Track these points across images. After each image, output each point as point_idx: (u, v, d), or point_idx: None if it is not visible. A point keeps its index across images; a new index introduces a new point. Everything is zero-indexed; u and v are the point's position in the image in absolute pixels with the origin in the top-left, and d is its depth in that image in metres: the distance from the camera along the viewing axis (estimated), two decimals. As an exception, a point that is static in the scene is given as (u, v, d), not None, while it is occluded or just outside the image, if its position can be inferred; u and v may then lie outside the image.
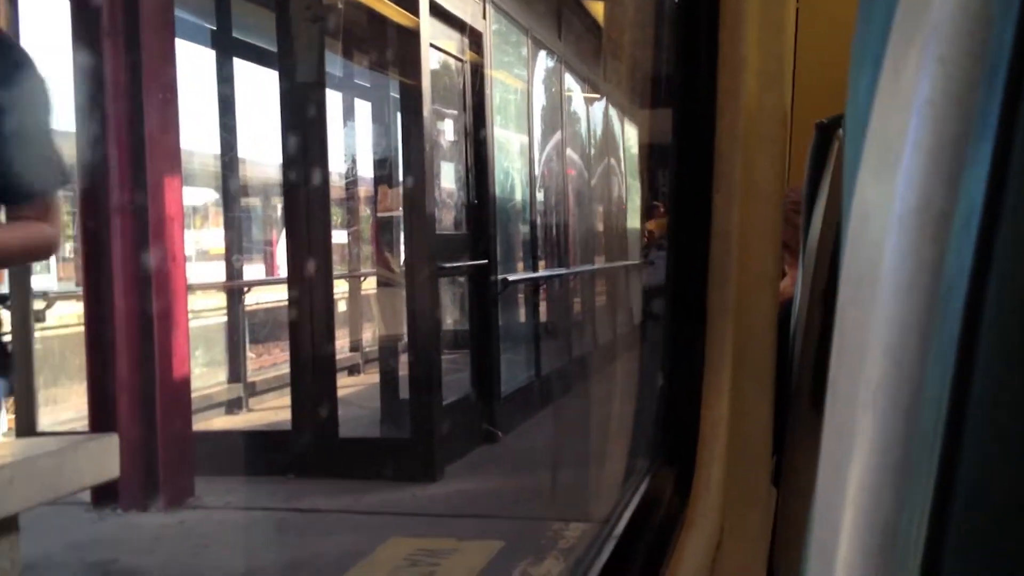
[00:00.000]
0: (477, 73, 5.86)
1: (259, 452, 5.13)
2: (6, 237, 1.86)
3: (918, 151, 0.35)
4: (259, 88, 6.67)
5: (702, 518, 1.21)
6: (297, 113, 5.03)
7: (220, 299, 6.91)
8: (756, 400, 1.31)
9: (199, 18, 6.43)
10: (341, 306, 7.38)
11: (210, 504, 4.39)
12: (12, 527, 2.46)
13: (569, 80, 8.18)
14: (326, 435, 4.97)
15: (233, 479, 4.79)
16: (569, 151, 8.14)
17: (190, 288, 4.98)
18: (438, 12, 5.32)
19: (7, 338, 4.08)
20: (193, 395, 4.87)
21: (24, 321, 4.70)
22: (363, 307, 8.00)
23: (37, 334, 4.92)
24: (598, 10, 8.31)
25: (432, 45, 5.24)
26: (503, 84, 6.59)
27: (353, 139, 7.70)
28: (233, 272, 6.75)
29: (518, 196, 6.98)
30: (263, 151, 7.68)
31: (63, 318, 5.84)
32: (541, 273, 7.24)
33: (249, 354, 6.95)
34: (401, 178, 5.69)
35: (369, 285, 7.79)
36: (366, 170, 7.36)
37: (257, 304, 7.66)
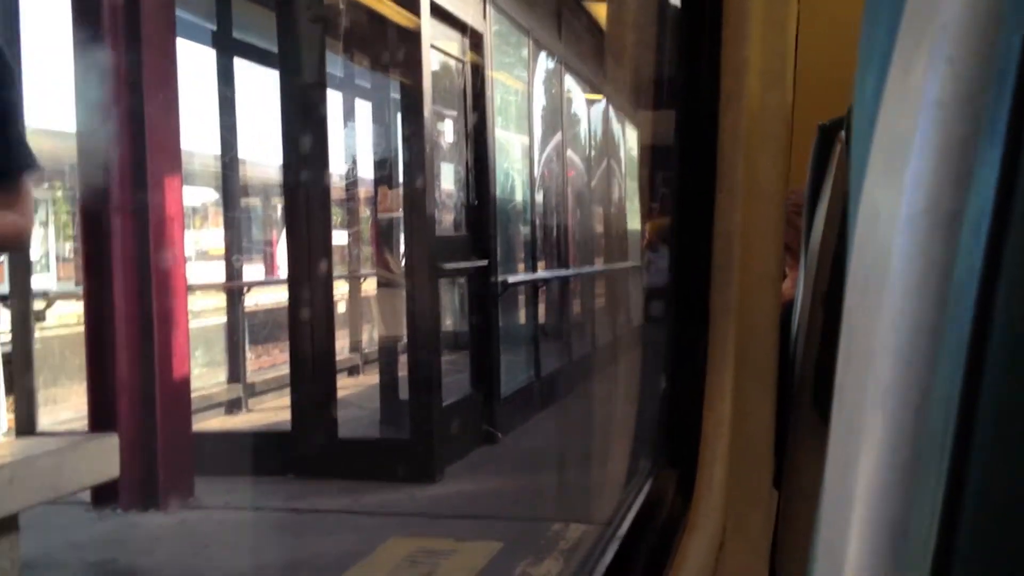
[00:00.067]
0: (477, 74, 5.86)
1: (259, 452, 5.13)
2: None
3: (927, 152, 0.35)
4: (259, 88, 6.67)
5: (705, 518, 1.21)
6: (297, 113, 5.03)
7: (220, 299, 6.90)
8: (758, 401, 1.31)
9: (200, 18, 6.43)
10: (341, 307, 7.38)
11: (210, 504, 4.38)
12: (12, 526, 2.46)
13: (569, 81, 8.18)
14: (326, 436, 4.97)
15: (233, 479, 4.79)
16: (569, 152, 8.15)
17: (190, 288, 4.98)
18: (439, 13, 5.32)
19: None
20: (193, 395, 4.87)
21: (24, 321, 4.70)
22: (363, 308, 8.00)
23: (37, 334, 4.92)
24: (598, 11, 8.31)
25: (433, 46, 5.24)
26: (503, 85, 6.59)
27: (353, 140, 7.70)
28: (233, 272, 6.75)
29: (518, 197, 6.98)
30: (263, 151, 7.68)
31: (63, 318, 5.85)
32: (541, 274, 7.24)
33: (249, 355, 6.95)
34: (401, 179, 5.69)
35: (369, 286, 7.79)
36: (366, 171, 7.36)
37: (257, 305, 7.66)
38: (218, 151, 6.63)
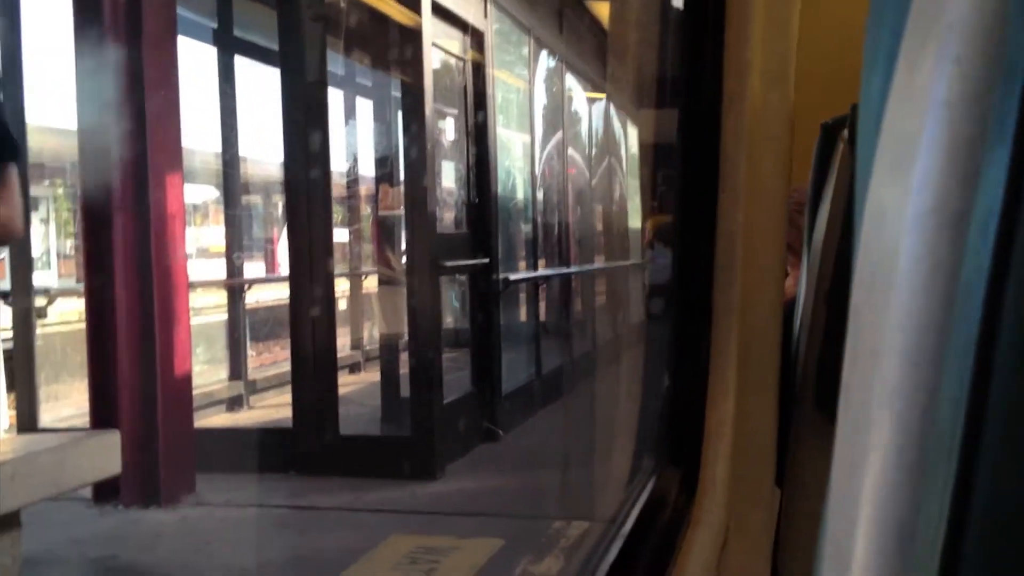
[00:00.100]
0: (478, 72, 5.86)
1: (260, 449, 5.13)
2: None
3: (934, 151, 0.35)
4: (260, 86, 6.67)
5: (708, 516, 1.21)
6: (298, 111, 5.03)
7: (221, 297, 6.91)
8: (760, 399, 1.31)
9: (201, 16, 6.43)
10: (342, 304, 7.38)
11: (211, 501, 4.39)
12: (14, 522, 2.46)
13: (570, 79, 8.17)
14: (327, 433, 4.98)
15: (234, 476, 4.79)
16: (570, 150, 8.14)
17: (191, 285, 4.98)
18: (440, 11, 5.32)
19: None
20: (194, 392, 4.87)
21: (25, 318, 4.70)
22: (364, 305, 8.00)
23: (38, 331, 4.92)
24: (599, 9, 8.30)
25: (434, 44, 5.23)
26: (505, 83, 6.59)
27: (354, 137, 7.70)
28: (234, 270, 6.75)
29: (519, 195, 6.98)
30: (264, 149, 7.68)
31: (64, 315, 5.85)
32: (542, 272, 7.24)
33: (250, 352, 6.95)
34: (402, 177, 5.69)
35: (370, 284, 7.79)
36: (367, 168, 7.36)
37: (258, 302, 7.66)
38: (219, 149, 6.63)
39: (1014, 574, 0.30)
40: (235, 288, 6.71)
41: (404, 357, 5.47)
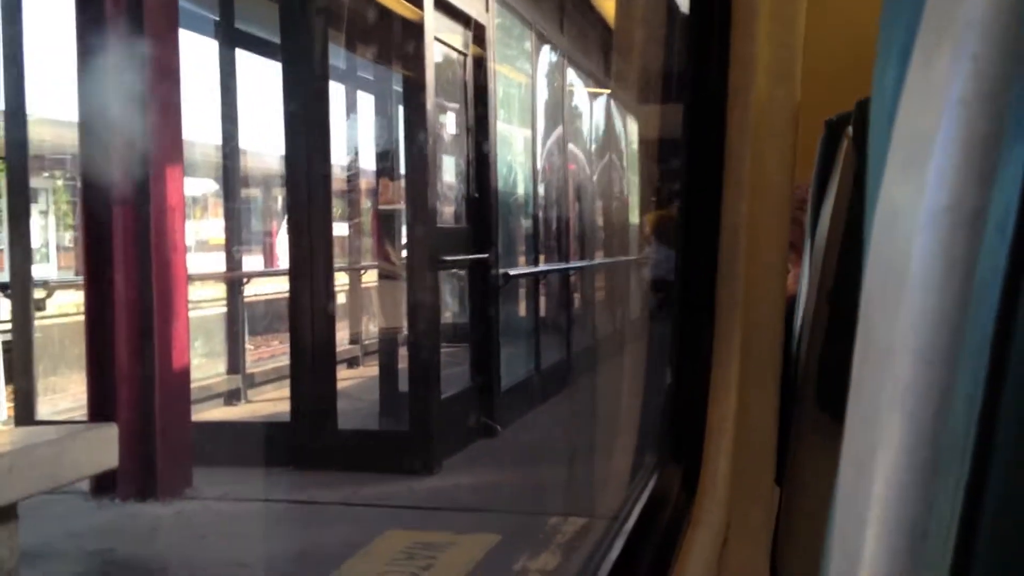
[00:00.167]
0: (480, 67, 5.85)
1: (257, 443, 5.13)
2: None
3: (949, 149, 0.35)
4: (261, 79, 6.66)
5: (708, 514, 1.21)
6: (299, 105, 5.02)
7: (219, 290, 6.90)
8: (761, 396, 1.30)
9: (203, 8, 6.41)
10: (341, 298, 7.37)
11: (208, 495, 4.38)
12: (11, 515, 2.46)
13: (571, 74, 8.16)
14: (325, 427, 4.97)
15: (231, 470, 4.79)
16: (571, 146, 8.14)
17: (190, 278, 4.97)
18: (442, 5, 5.31)
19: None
20: (192, 386, 4.87)
21: (24, 310, 4.70)
22: (363, 300, 8.00)
23: (37, 323, 4.92)
24: (601, 4, 8.29)
25: (436, 38, 5.23)
26: (506, 78, 6.58)
27: (355, 131, 7.68)
28: (233, 263, 6.74)
29: (520, 190, 6.97)
30: (264, 142, 7.67)
31: (62, 307, 5.84)
32: (542, 268, 7.24)
33: (248, 345, 6.94)
34: (403, 171, 5.69)
35: (369, 278, 7.78)
36: (368, 162, 7.35)
37: (256, 295, 7.65)
38: (219, 141, 6.62)
39: None
40: (234, 281, 6.71)
41: (403, 352, 5.47)
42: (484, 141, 5.88)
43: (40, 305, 5.00)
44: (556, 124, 7.68)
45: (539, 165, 7.16)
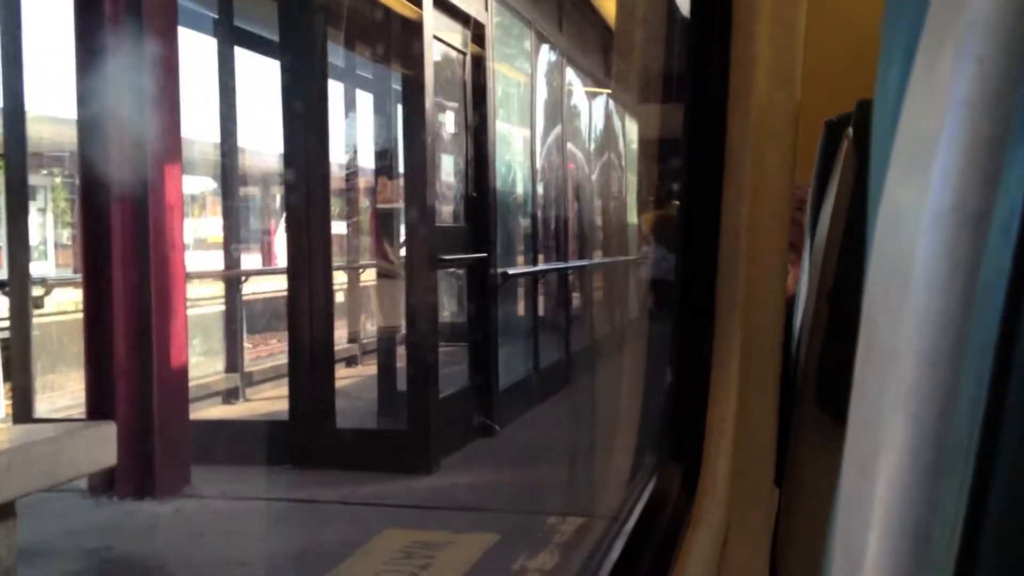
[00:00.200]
0: (479, 66, 5.85)
1: (256, 442, 5.13)
2: None
3: (954, 151, 0.35)
4: (260, 77, 6.65)
5: (708, 515, 1.21)
6: (298, 103, 5.02)
7: (218, 288, 6.90)
8: (761, 396, 1.30)
9: (202, 6, 6.41)
10: (339, 297, 7.37)
11: (206, 493, 4.38)
12: (9, 513, 2.46)
13: (570, 74, 8.16)
14: (323, 426, 4.97)
15: (229, 469, 4.79)
16: (570, 145, 8.14)
17: (188, 276, 4.97)
18: (441, 4, 5.31)
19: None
20: (190, 384, 4.86)
21: (22, 308, 4.69)
22: (361, 299, 8.00)
23: (35, 321, 4.91)
24: (601, 3, 8.30)
25: (435, 37, 5.22)
26: (505, 77, 6.58)
27: (354, 130, 7.68)
28: (231, 261, 6.74)
29: (519, 190, 6.97)
30: (262, 140, 7.66)
31: (60, 305, 5.84)
32: (541, 267, 7.24)
33: (246, 344, 6.94)
34: (402, 170, 5.69)
35: (368, 277, 7.78)
36: (366, 161, 7.35)
37: (254, 294, 7.65)
38: (217, 140, 6.62)
39: None
40: (232, 279, 6.71)
41: (401, 351, 5.47)
42: (483, 140, 5.88)
43: (38, 303, 4.99)
44: (555, 123, 7.68)
45: (538, 164, 7.16)
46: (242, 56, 6.51)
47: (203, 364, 6.54)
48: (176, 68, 4.46)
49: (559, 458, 5.44)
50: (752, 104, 1.26)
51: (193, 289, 6.33)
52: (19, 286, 4.75)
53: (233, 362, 6.60)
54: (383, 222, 6.33)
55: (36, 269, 6.06)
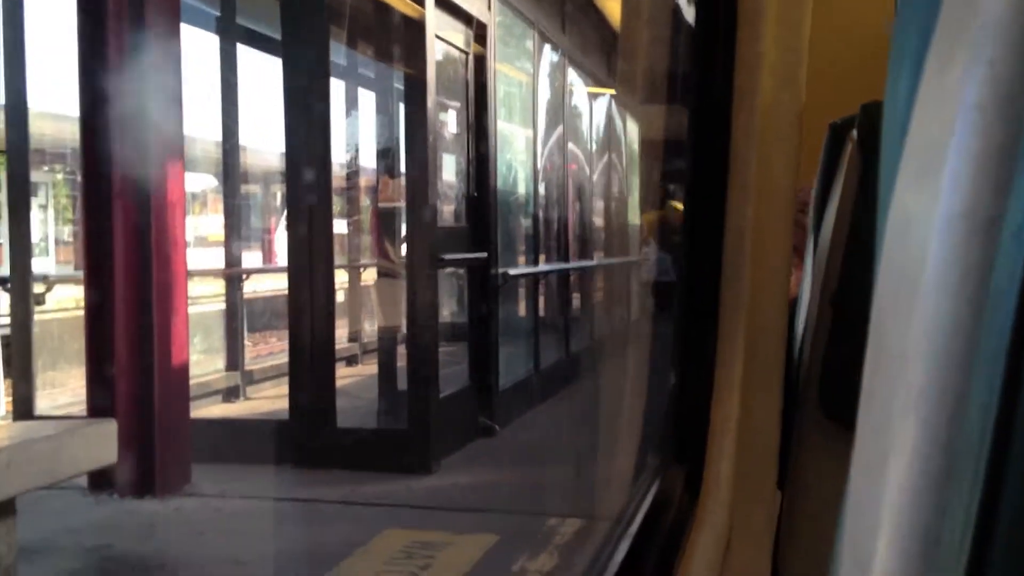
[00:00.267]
0: (481, 65, 5.85)
1: (256, 441, 5.13)
2: None
3: (964, 155, 0.35)
4: (262, 76, 6.65)
5: (712, 516, 1.21)
6: (300, 101, 5.01)
7: (218, 286, 6.90)
8: (764, 398, 1.31)
9: (204, 4, 6.41)
10: (340, 296, 7.37)
11: (206, 492, 4.38)
12: (9, 510, 2.46)
13: (572, 74, 8.16)
14: (324, 425, 4.97)
15: (229, 467, 4.79)
16: (571, 145, 8.14)
17: (189, 274, 4.96)
18: (444, 3, 5.31)
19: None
20: (190, 382, 4.86)
21: (24, 304, 4.69)
22: (362, 298, 8.00)
23: (36, 317, 4.91)
24: (603, 3, 8.29)
25: (437, 36, 5.22)
26: (507, 77, 6.58)
27: (355, 128, 7.68)
28: (232, 259, 6.74)
29: (520, 190, 6.97)
30: (264, 138, 7.66)
31: (61, 302, 5.84)
32: (541, 268, 7.24)
33: (247, 342, 6.94)
34: (403, 169, 5.68)
35: (369, 276, 7.78)
36: (368, 160, 7.35)
37: (256, 292, 7.65)
38: (219, 137, 6.62)
39: None
40: (233, 277, 6.70)
41: (401, 350, 5.46)
42: (485, 140, 5.88)
43: (39, 299, 4.99)
44: (557, 124, 7.68)
45: (540, 165, 7.16)
46: (244, 53, 6.52)
47: (203, 362, 6.54)
48: (179, 65, 4.46)
49: (559, 459, 5.43)
50: (757, 104, 1.26)
51: (194, 287, 6.33)
52: (20, 283, 4.74)
53: (234, 360, 6.60)
54: (384, 221, 6.33)
55: (37, 266, 6.06)
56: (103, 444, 3.06)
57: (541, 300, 7.27)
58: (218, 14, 6.41)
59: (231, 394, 6.44)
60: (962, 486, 0.32)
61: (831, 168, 1.31)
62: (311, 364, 5.03)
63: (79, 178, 4.76)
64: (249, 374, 6.68)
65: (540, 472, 5.25)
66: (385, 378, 5.71)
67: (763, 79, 1.27)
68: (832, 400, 1.21)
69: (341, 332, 7.16)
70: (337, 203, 7.35)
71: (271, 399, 6.19)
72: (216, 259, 7.03)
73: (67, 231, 11.40)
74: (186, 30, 5.09)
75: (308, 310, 5.02)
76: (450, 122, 5.85)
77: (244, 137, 6.78)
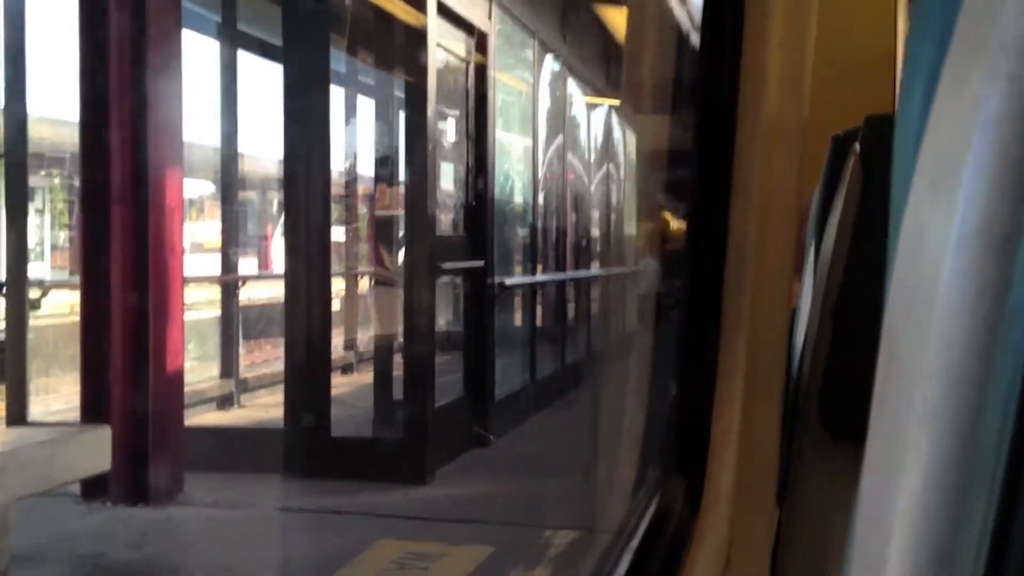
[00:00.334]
0: (481, 74, 5.86)
1: (250, 449, 5.11)
2: None
3: (981, 170, 0.35)
4: (262, 81, 6.65)
5: (712, 529, 1.20)
6: (300, 108, 5.02)
7: (214, 293, 6.88)
8: (765, 410, 1.30)
9: (205, 9, 6.41)
10: (336, 304, 7.36)
11: (199, 501, 4.36)
12: (1, 517, 2.44)
13: (572, 84, 8.18)
14: (318, 434, 4.95)
15: (223, 476, 4.77)
16: (571, 156, 8.15)
17: (185, 281, 4.95)
18: (445, 12, 5.32)
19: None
20: (185, 390, 4.84)
21: (19, 309, 4.67)
22: (359, 306, 7.99)
23: (31, 323, 4.89)
24: (604, 14, 8.31)
25: (438, 45, 5.23)
26: (507, 86, 6.59)
27: (355, 136, 7.68)
28: (228, 266, 6.73)
29: (518, 199, 6.97)
30: (262, 145, 7.66)
31: (56, 307, 5.82)
32: (538, 278, 7.24)
33: (242, 350, 6.92)
34: (402, 177, 5.68)
35: (365, 284, 7.77)
36: (366, 168, 7.34)
37: (251, 299, 7.63)
38: (217, 144, 6.62)
39: None
40: (229, 284, 6.69)
41: (398, 359, 5.45)
42: (483, 149, 5.88)
43: (35, 305, 4.98)
44: (556, 133, 7.69)
45: (538, 174, 7.16)
46: (245, 60, 6.52)
47: (198, 369, 6.52)
48: (179, 71, 4.46)
49: (555, 470, 5.42)
50: (762, 115, 1.26)
51: (189, 293, 6.31)
52: (16, 288, 4.73)
53: (228, 368, 6.58)
54: (382, 229, 6.32)
55: (32, 271, 6.04)
56: (98, 451, 3.04)
57: (538, 310, 7.26)
58: (219, 19, 6.41)
59: (225, 402, 6.42)
60: (978, 501, 0.32)
61: (833, 181, 1.31)
62: (306, 372, 5.02)
63: (76, 183, 4.74)
64: (244, 382, 6.66)
65: (535, 483, 5.24)
66: (380, 387, 5.69)
67: (769, 87, 1.27)
68: (832, 412, 1.20)
69: (337, 340, 7.15)
70: (335, 210, 7.34)
71: (266, 407, 6.17)
72: (212, 265, 7.02)
73: (63, 236, 11.38)
74: (187, 35, 5.10)
75: (304, 318, 5.01)
76: (449, 131, 5.85)
77: (243, 144, 6.78)
